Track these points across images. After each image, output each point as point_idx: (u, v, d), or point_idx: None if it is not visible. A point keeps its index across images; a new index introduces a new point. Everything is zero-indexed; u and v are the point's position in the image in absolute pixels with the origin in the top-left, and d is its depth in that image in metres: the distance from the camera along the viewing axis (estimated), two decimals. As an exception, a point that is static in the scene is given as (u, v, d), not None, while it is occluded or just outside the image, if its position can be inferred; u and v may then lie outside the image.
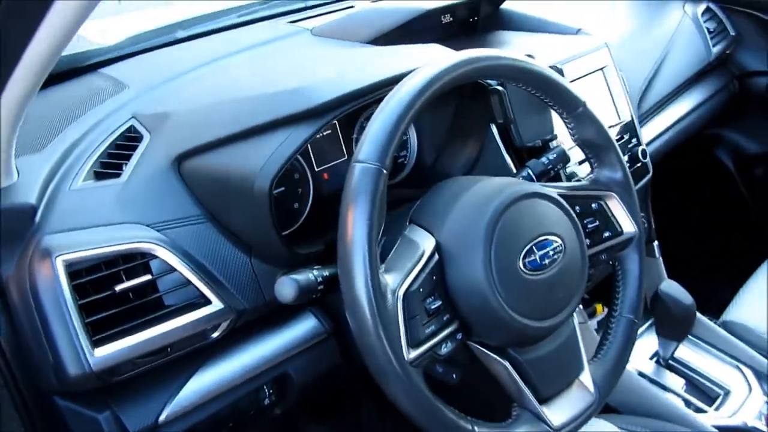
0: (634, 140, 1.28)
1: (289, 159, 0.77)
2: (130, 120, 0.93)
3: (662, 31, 1.61)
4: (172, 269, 0.77)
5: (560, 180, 1.08)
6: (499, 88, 0.95)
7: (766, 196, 1.91)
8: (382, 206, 0.67)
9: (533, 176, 0.93)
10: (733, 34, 1.76)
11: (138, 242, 0.76)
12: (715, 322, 1.39)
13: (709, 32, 1.70)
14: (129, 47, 1.16)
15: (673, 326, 1.21)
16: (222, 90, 0.95)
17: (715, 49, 1.70)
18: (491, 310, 0.70)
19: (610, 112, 1.25)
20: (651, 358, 1.30)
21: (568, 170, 1.11)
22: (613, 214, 0.88)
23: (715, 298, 1.48)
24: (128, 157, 0.87)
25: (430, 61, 0.73)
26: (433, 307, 0.69)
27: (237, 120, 0.82)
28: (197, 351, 0.81)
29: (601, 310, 1.38)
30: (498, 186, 0.76)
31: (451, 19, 1.29)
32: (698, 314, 1.31)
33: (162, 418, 0.77)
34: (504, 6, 1.37)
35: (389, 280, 0.68)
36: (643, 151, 1.27)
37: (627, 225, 0.88)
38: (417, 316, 0.68)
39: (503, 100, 0.96)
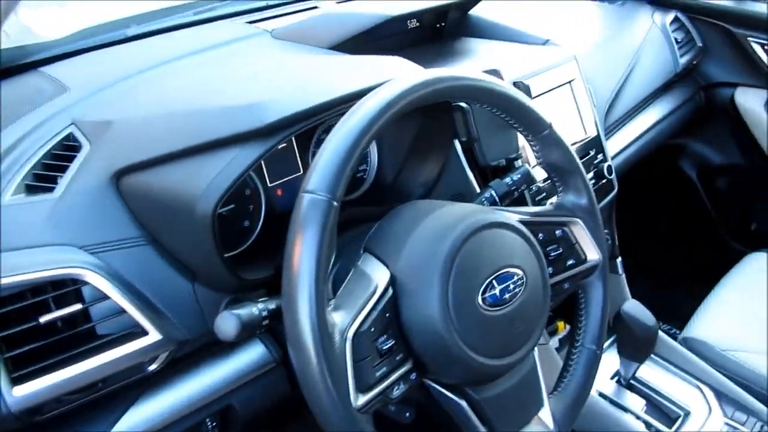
0: (600, 156, 1.25)
1: (235, 182, 0.71)
2: (69, 127, 0.86)
3: (631, 40, 1.59)
4: (106, 297, 0.71)
5: (525, 200, 1.04)
6: (463, 105, 0.91)
7: (728, 207, 1.92)
8: (332, 240, 0.62)
9: (496, 197, 0.90)
10: (700, 44, 1.75)
11: (68, 267, 0.70)
12: (676, 334, 1.38)
13: (677, 42, 1.70)
14: (74, 44, 1.08)
15: (635, 347, 1.19)
16: (170, 98, 0.89)
17: (683, 60, 1.69)
18: (446, 349, 0.67)
19: (577, 127, 1.22)
20: (612, 378, 1.29)
21: (534, 188, 1.07)
22: (577, 241, 0.85)
23: (677, 309, 1.47)
24: (64, 169, 0.80)
25: (389, 81, 0.69)
26: (385, 347, 0.65)
27: (183, 135, 0.76)
28: (133, 383, 0.75)
29: (562, 328, 1.36)
30: (458, 215, 0.72)
31: (418, 24, 1.24)
32: (660, 332, 1.30)
33: None
34: (472, 12, 1.33)
35: (337, 319, 0.63)
36: (609, 168, 1.25)
37: (591, 252, 0.86)
38: (367, 358, 0.64)
39: (467, 118, 0.92)
